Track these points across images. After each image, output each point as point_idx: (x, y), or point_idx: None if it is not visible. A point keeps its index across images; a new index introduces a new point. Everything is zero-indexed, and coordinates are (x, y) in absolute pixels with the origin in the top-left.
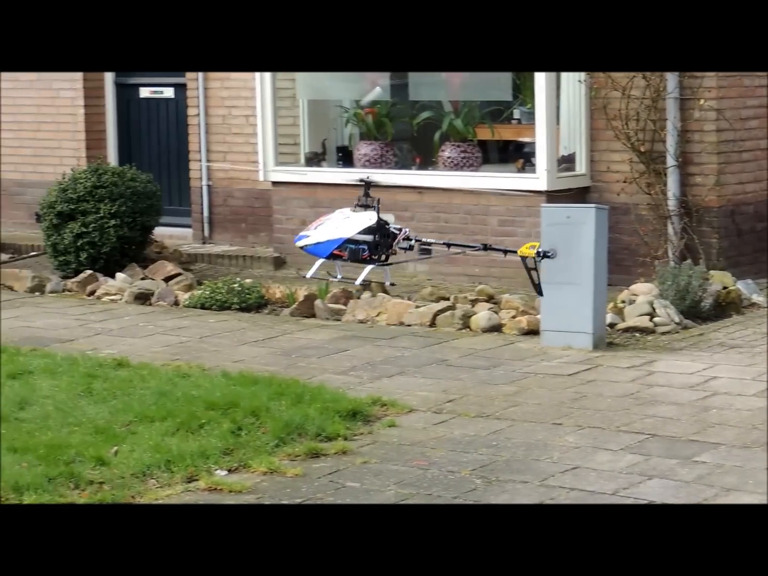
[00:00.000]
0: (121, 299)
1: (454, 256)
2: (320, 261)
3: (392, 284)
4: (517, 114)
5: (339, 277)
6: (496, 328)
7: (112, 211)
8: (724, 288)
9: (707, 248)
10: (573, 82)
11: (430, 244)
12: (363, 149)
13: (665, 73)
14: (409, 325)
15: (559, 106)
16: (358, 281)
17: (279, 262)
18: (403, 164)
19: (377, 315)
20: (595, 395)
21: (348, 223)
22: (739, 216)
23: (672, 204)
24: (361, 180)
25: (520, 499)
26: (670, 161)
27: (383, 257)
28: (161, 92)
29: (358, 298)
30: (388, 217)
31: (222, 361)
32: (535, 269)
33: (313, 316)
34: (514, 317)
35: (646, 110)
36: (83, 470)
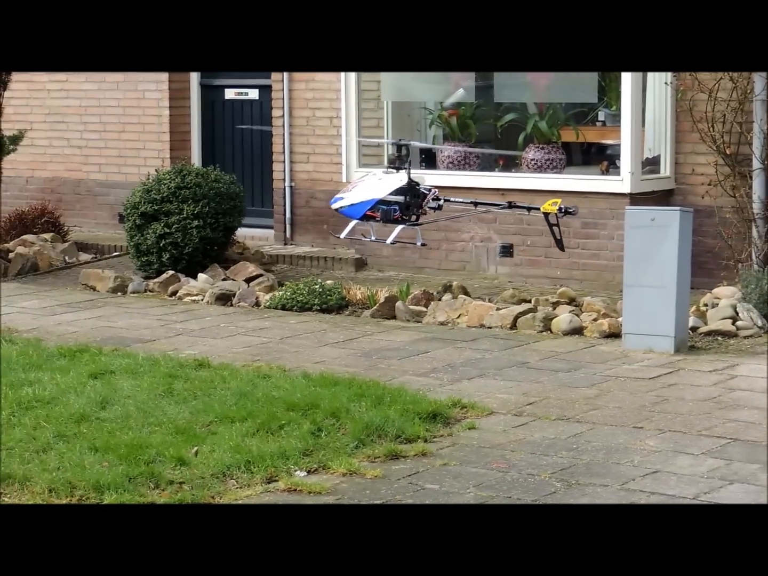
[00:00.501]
0: (202, 300)
1: (535, 258)
2: (354, 222)
3: (423, 244)
4: (601, 116)
5: (373, 237)
6: (577, 331)
7: (195, 211)
8: None
9: None
10: (659, 84)
11: (458, 202)
12: (446, 151)
13: (752, 75)
14: (489, 327)
15: (645, 108)
16: (389, 240)
17: (360, 264)
18: (485, 166)
19: (458, 317)
20: (677, 399)
21: (380, 184)
22: None
23: (757, 207)
24: (395, 143)
25: (601, 503)
26: (756, 164)
27: (413, 217)
28: (246, 93)
29: (440, 299)
30: (419, 179)
31: (302, 362)
32: (557, 225)
33: (394, 317)
34: (595, 320)
35: (732, 112)
36: (163, 470)
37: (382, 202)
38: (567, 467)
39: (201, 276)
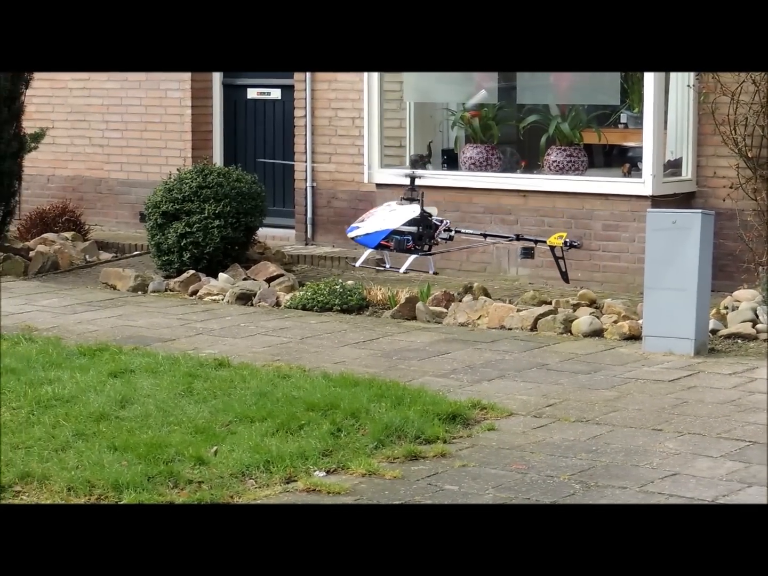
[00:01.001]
0: (222, 299)
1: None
2: (369, 250)
3: (435, 273)
4: (623, 118)
5: (387, 266)
6: (598, 333)
7: (217, 211)
8: None
9: None
10: (681, 87)
11: (468, 233)
12: (468, 152)
13: None
14: (510, 329)
15: (667, 111)
16: (403, 269)
17: (380, 264)
18: (507, 167)
19: (478, 318)
20: (696, 401)
21: (394, 215)
22: None
23: None
24: (407, 174)
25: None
26: None
27: (426, 247)
28: (268, 93)
29: (460, 300)
30: (432, 210)
31: (322, 363)
32: (563, 258)
33: (414, 318)
34: (615, 322)
35: (754, 115)
36: (182, 469)
37: (396, 232)
38: (586, 469)
39: (222, 275)
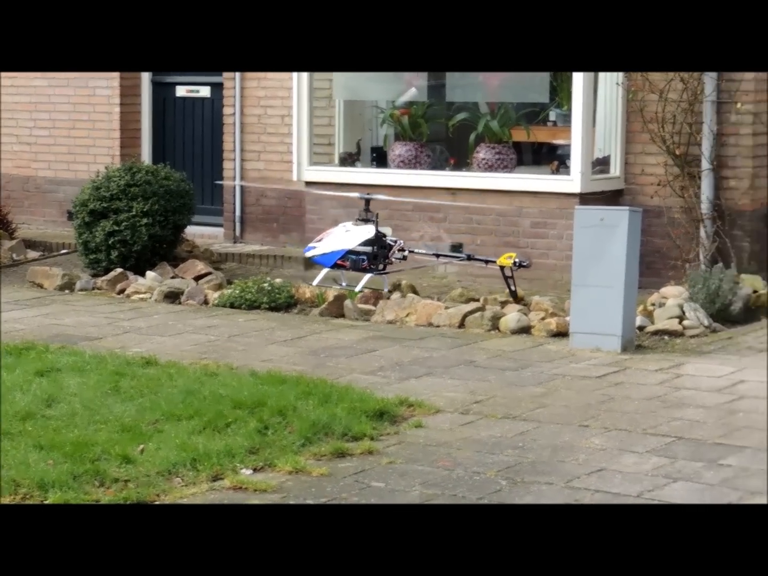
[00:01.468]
0: (150, 298)
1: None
2: (325, 270)
3: (390, 291)
4: (552, 116)
5: (343, 284)
6: (525, 330)
7: (145, 209)
8: (755, 292)
9: (739, 252)
10: (610, 85)
11: (421, 254)
12: (397, 150)
13: (703, 76)
14: (438, 326)
15: (596, 109)
16: (358, 287)
17: (309, 263)
18: (437, 165)
19: (406, 316)
20: (623, 398)
21: (349, 235)
22: None
23: (705, 207)
24: (361, 197)
25: (544, 501)
26: (705, 164)
27: (381, 266)
28: (197, 91)
29: (388, 298)
30: (386, 230)
31: (250, 361)
32: (512, 277)
33: (342, 316)
34: (543, 319)
35: (682, 113)
36: (109, 468)
37: (351, 252)
38: (512, 465)
39: (149, 274)
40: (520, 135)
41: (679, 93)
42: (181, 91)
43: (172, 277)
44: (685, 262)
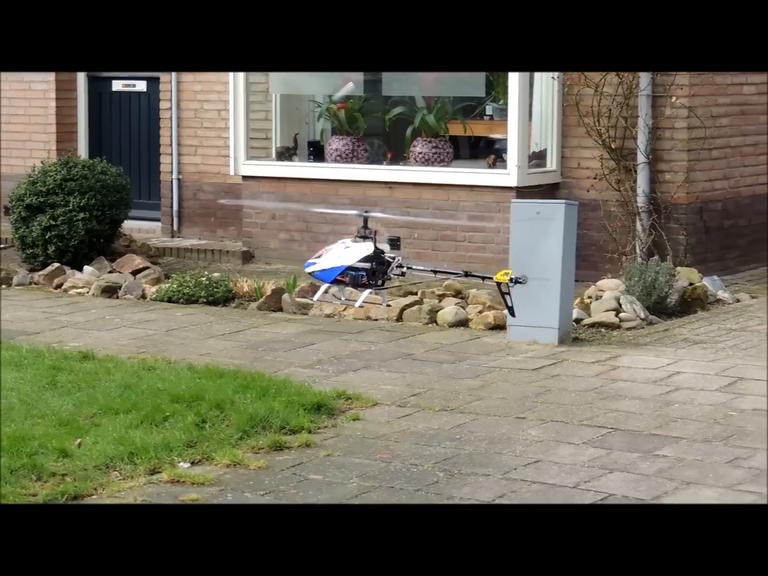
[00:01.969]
0: (88, 292)
1: (422, 251)
2: (325, 285)
3: (388, 305)
4: (489, 110)
5: (343, 299)
6: (463, 323)
7: (82, 204)
8: (691, 284)
9: (675, 245)
10: (546, 79)
11: (419, 270)
12: (334, 144)
13: None
14: (376, 320)
15: (532, 103)
16: (358, 303)
17: (247, 256)
18: (374, 159)
19: (344, 309)
20: (559, 390)
21: (349, 252)
22: (707, 213)
23: (641, 201)
24: (360, 214)
25: (481, 492)
26: (641, 158)
27: (379, 282)
28: (133, 85)
29: (326, 292)
30: (384, 247)
31: (188, 355)
32: (509, 293)
33: (281, 310)
34: (480, 312)
35: (618, 107)
36: (46, 462)
37: (351, 268)
38: (450, 457)
39: (87, 268)
40: (456, 129)
41: (614, 87)
42: (117, 86)
43: (110, 272)
44: (622, 255)
